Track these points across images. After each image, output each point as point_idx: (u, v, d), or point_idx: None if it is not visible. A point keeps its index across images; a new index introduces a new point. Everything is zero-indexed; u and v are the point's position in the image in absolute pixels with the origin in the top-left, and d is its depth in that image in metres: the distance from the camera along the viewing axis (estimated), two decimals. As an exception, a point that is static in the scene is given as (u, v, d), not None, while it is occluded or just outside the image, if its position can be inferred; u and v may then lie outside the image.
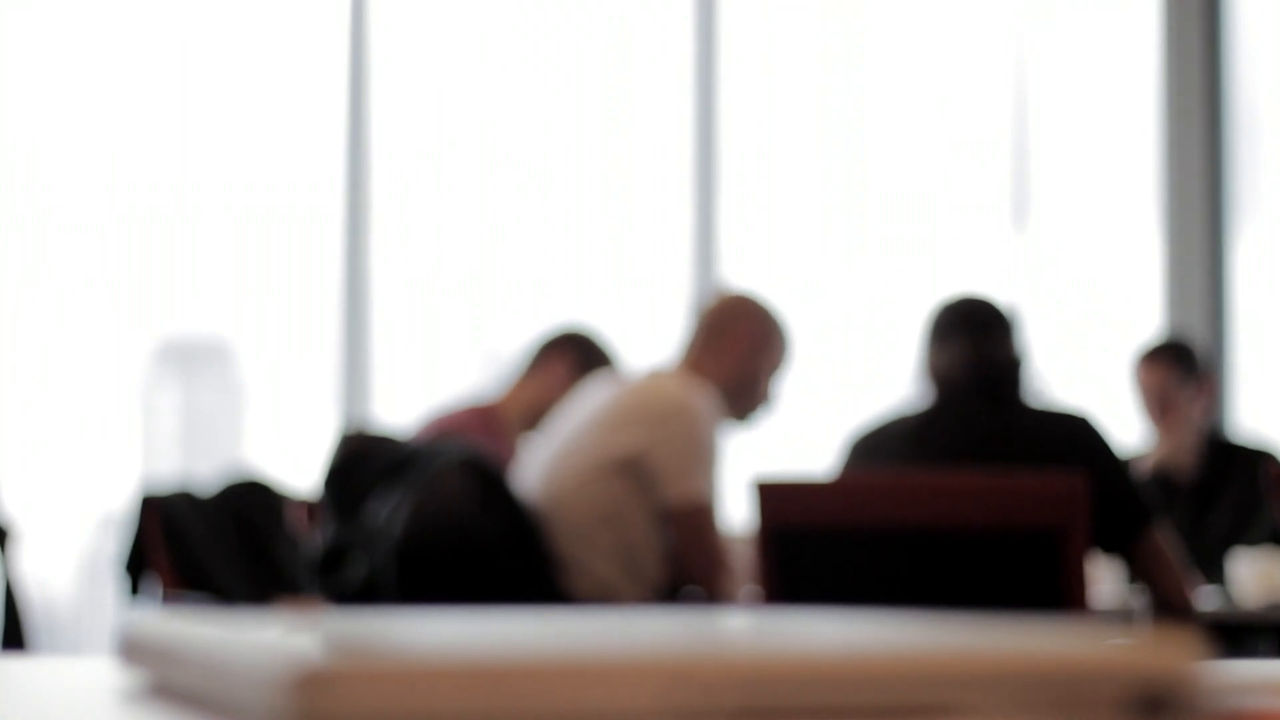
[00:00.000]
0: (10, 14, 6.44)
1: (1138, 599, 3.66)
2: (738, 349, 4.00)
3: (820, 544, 3.24)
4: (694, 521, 3.82)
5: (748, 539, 3.67)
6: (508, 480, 3.82)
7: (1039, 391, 3.62)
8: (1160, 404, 5.09)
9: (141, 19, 6.56)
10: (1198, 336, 6.39)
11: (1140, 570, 3.52)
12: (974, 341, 3.56)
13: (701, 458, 3.82)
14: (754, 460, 5.30)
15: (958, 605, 3.11)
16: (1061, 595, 3.12)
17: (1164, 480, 5.02)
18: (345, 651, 0.54)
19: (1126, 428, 5.47)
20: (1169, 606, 3.51)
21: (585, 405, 3.97)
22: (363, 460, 3.79)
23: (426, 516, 3.67)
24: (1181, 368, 5.11)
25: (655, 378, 3.93)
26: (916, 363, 3.66)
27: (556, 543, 3.86)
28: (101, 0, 6.53)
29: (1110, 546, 3.48)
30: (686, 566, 3.87)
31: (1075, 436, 3.46)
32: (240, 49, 6.65)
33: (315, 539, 3.87)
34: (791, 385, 4.16)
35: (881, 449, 3.56)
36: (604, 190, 6.93)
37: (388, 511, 3.69)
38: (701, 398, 3.85)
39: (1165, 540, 3.51)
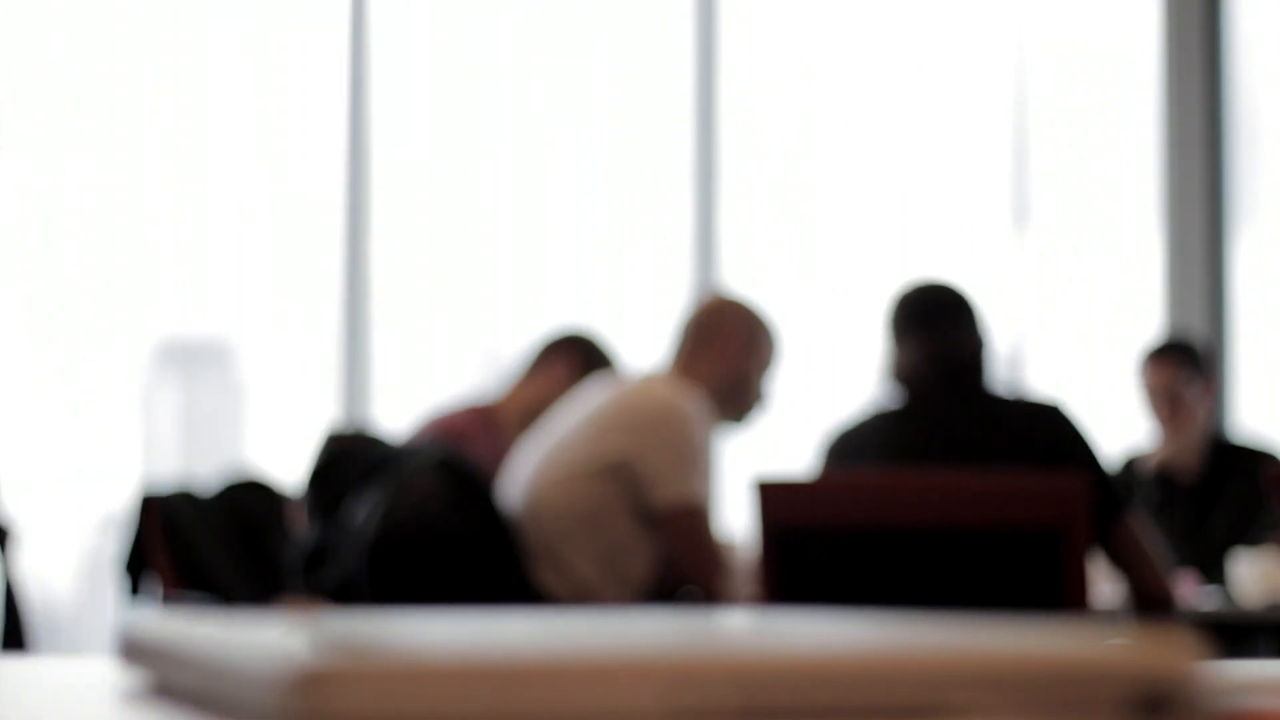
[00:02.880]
0: (11, 14, 6.44)
1: (1119, 590, 3.66)
2: (727, 351, 4.01)
3: (820, 544, 3.24)
4: (688, 523, 3.82)
5: (747, 540, 3.68)
6: (483, 481, 3.82)
7: (1004, 377, 3.61)
8: (1169, 403, 5.06)
9: (143, 19, 6.56)
10: (1198, 336, 6.39)
11: (1116, 560, 3.50)
12: (931, 337, 3.55)
13: (692, 460, 3.82)
14: (754, 461, 5.30)
15: (958, 605, 3.11)
16: (1061, 595, 3.12)
17: (1166, 480, 5.01)
18: (345, 651, 0.54)
19: (1128, 427, 5.47)
20: (1146, 595, 3.49)
21: (578, 408, 3.97)
22: (344, 460, 3.80)
23: (398, 517, 3.68)
24: (1189, 366, 5.09)
25: (645, 382, 3.94)
26: (881, 361, 3.65)
27: (537, 541, 3.86)
28: (102, 0, 6.53)
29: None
30: (684, 568, 3.87)
31: (1048, 427, 3.45)
32: (241, 49, 6.65)
33: (302, 538, 3.88)
34: (792, 386, 4.16)
35: (858, 450, 3.55)
36: (604, 190, 6.93)
37: (364, 511, 3.70)
38: (690, 401, 3.86)
39: (1140, 529, 3.49)
